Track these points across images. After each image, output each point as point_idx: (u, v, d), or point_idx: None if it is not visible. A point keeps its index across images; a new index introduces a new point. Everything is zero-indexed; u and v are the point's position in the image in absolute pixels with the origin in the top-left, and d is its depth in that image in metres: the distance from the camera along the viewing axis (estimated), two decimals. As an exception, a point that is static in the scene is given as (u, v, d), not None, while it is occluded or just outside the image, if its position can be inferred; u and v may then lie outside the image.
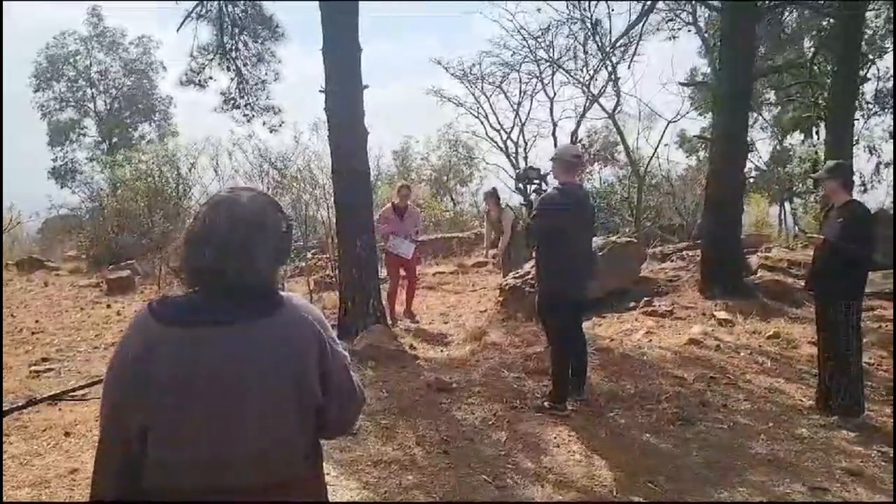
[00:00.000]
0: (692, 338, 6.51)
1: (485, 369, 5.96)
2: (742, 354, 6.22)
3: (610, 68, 15.48)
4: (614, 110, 15.66)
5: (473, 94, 20.46)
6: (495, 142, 21.67)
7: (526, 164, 21.50)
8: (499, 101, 21.47)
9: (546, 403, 5.04)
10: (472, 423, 4.83)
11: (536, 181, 5.61)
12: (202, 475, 1.50)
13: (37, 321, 8.29)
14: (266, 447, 1.53)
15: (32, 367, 6.17)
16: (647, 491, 3.88)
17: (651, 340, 6.65)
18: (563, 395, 5.00)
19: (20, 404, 2.78)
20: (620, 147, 22.77)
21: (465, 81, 19.92)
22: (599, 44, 15.04)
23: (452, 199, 24.15)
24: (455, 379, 5.65)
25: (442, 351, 6.79)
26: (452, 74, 19.78)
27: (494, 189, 9.96)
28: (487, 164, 22.74)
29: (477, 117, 21.29)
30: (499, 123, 21.27)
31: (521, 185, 5.81)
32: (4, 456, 4.19)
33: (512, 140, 21.46)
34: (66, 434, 4.57)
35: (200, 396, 1.49)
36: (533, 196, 5.48)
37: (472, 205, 23.17)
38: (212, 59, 13.31)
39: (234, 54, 13.53)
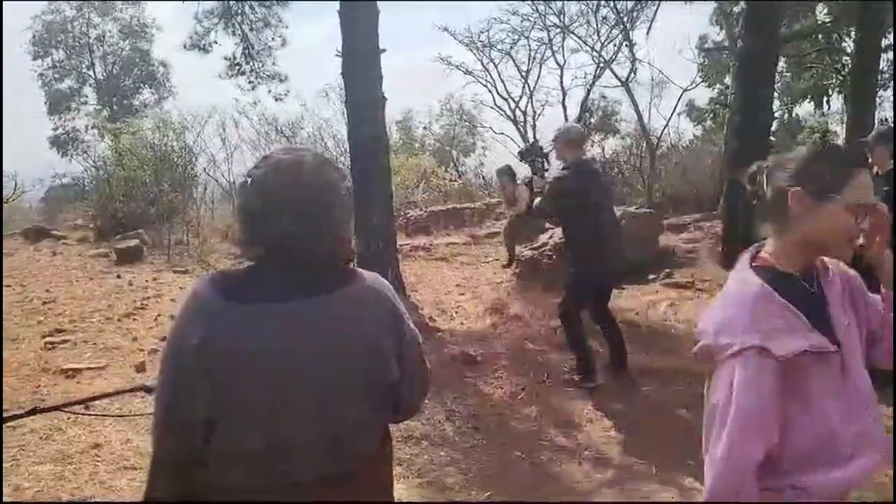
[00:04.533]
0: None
1: (508, 342, 5.84)
2: (772, 328, 6.08)
3: (624, 34, 15.15)
4: (628, 77, 15.36)
5: (481, 62, 20.13)
6: (503, 111, 21.37)
7: (534, 133, 21.28)
8: (507, 68, 21.07)
9: (575, 377, 4.93)
10: (500, 398, 4.73)
11: (540, 159, 5.44)
12: (272, 466, 1.35)
13: (47, 290, 8.15)
14: (340, 432, 1.39)
15: (47, 339, 6.03)
16: (689, 469, 3.77)
17: (676, 313, 6.52)
18: (589, 365, 4.89)
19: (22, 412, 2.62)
20: (621, 116, 22.56)
21: (472, 48, 19.56)
22: (615, 10, 14.70)
23: (457, 168, 23.91)
24: (479, 352, 5.53)
25: (462, 324, 6.66)
26: (460, 41, 19.44)
27: (509, 166, 9.66)
28: (495, 133, 22.43)
29: (485, 85, 20.96)
30: (506, 92, 20.96)
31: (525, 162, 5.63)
32: (24, 430, 4.07)
33: (520, 109, 21.17)
34: (86, 407, 4.44)
35: (271, 379, 1.34)
36: (535, 175, 5.31)
37: (477, 175, 22.94)
38: (217, 23, 13.03)
39: (239, 18, 13.25)
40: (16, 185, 16.84)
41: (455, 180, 20.79)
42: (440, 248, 11.52)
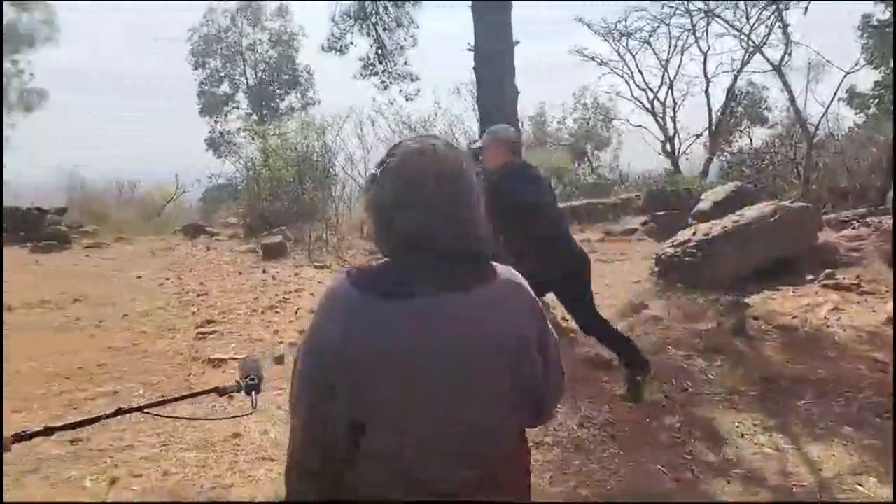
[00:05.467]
0: (891, 316, 5.68)
1: (647, 346, 5.49)
2: (957, 337, 5.33)
3: (776, 14, 14.04)
4: (781, 61, 14.18)
5: (618, 52, 19.44)
6: (641, 102, 20.54)
7: (675, 124, 20.30)
8: (645, 58, 20.26)
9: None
10: (639, 405, 4.44)
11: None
12: (400, 467, 1.27)
13: (201, 283, 8.75)
14: (468, 433, 1.30)
15: (199, 329, 6.44)
16: (857, 494, 3.34)
17: (840, 318, 5.88)
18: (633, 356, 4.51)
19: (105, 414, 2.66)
20: (771, 103, 20.97)
21: (609, 39, 18.94)
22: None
23: (590, 163, 23.34)
24: (615, 355, 5.24)
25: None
26: (595, 31, 18.88)
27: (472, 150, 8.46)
28: (632, 125, 21.62)
29: (621, 76, 20.25)
30: (644, 82, 20.13)
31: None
32: (173, 415, 4.29)
33: (659, 99, 20.27)
34: (230, 398, 4.65)
35: (401, 378, 1.26)
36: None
37: (613, 170, 22.31)
38: (353, 25, 13.44)
39: (374, 19, 13.59)
40: (177, 186, 18.37)
41: (589, 175, 20.30)
42: (573, 244, 11.22)
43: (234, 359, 5.54)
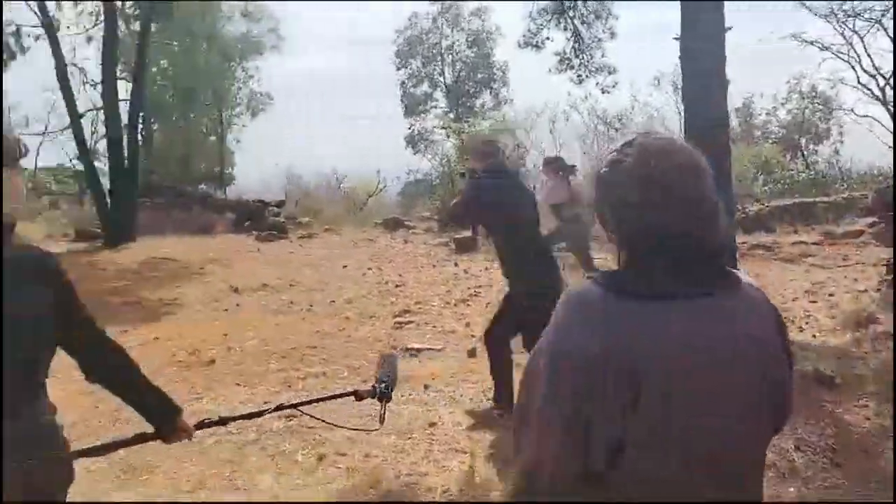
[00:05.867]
0: None
1: (877, 364, 4.87)
2: None
3: None
4: None
5: (843, 35, 17.47)
6: (869, 89, 18.30)
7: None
8: (876, 40, 17.97)
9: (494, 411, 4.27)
10: (868, 431, 3.94)
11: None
12: (681, 481, 1.18)
13: (399, 275, 9.21)
14: (746, 445, 1.22)
15: (396, 319, 6.78)
16: None
17: None
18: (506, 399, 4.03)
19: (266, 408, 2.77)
20: None
21: (832, 21, 17.08)
22: None
23: (805, 158, 21.24)
24: (837, 372, 4.70)
25: (814, 336, 5.77)
26: (816, 14, 17.12)
27: (557, 157, 8.25)
28: (857, 116, 19.33)
29: (846, 62, 18.18)
30: (875, 67, 17.89)
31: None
32: (366, 402, 4.52)
33: (891, 86, 17.92)
34: (425, 386, 4.83)
35: (676, 384, 1.15)
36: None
37: (832, 165, 20.15)
38: (549, 20, 13.40)
39: (571, 13, 13.44)
40: (378, 182, 19.60)
41: (804, 172, 18.48)
42: (785, 247, 10.31)
43: (430, 349, 5.75)
